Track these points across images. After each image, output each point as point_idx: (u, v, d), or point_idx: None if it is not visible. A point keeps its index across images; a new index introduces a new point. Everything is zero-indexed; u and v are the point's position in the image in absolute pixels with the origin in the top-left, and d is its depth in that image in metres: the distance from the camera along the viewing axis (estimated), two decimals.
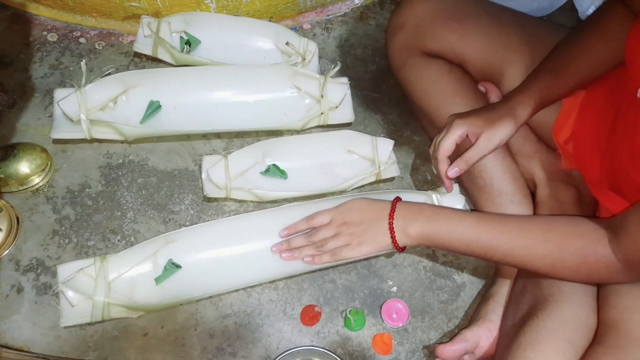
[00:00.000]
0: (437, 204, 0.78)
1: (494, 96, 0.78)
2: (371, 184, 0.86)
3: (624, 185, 0.62)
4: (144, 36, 0.90)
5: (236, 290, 0.76)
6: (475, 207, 0.79)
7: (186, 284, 0.71)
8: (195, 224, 0.81)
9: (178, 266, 0.71)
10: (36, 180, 0.81)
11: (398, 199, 0.67)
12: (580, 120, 0.71)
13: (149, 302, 0.70)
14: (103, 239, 0.79)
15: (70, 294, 0.68)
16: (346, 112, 0.89)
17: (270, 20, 0.97)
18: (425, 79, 0.78)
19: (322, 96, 0.87)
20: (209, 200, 0.83)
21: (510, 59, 0.75)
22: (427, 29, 0.78)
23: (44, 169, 0.82)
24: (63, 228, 0.80)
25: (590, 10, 0.95)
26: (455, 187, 0.79)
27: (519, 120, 0.65)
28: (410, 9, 0.79)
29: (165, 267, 0.70)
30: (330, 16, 1.03)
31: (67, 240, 0.79)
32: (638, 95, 0.54)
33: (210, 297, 0.75)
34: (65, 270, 0.69)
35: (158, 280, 0.70)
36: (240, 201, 0.83)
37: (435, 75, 0.77)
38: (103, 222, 0.81)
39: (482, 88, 0.79)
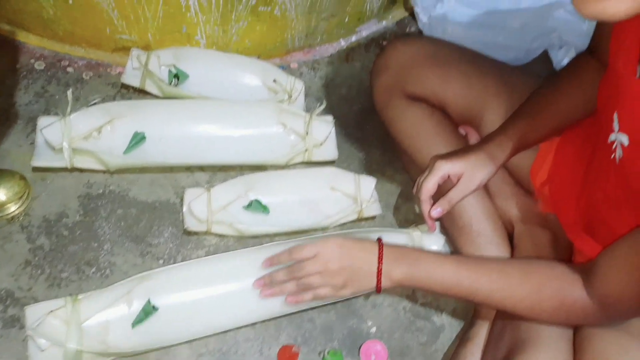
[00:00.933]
0: (418, 242, 0.79)
1: (474, 139, 0.80)
2: (353, 221, 0.86)
3: (598, 229, 0.64)
4: (133, 68, 0.91)
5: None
6: (454, 247, 0.80)
7: (163, 328, 0.69)
8: (174, 257, 0.80)
9: (155, 308, 0.68)
10: (12, 208, 0.80)
11: (381, 241, 0.67)
12: (556, 163, 0.74)
13: (123, 347, 0.67)
14: (77, 270, 0.77)
15: (40, 340, 0.65)
16: (330, 149, 0.91)
17: (258, 58, 0.99)
18: (407, 120, 0.80)
19: (307, 133, 0.88)
20: (189, 233, 0.82)
21: (489, 104, 0.78)
22: (410, 72, 0.80)
23: (21, 197, 0.80)
24: (36, 258, 0.77)
25: (565, 62, 1.00)
26: (436, 225, 0.79)
27: (498, 161, 0.68)
28: (394, 52, 0.82)
29: (143, 308, 0.68)
30: (317, 57, 1.06)
31: (39, 271, 0.76)
32: (609, 140, 0.57)
33: (189, 342, 0.73)
34: (33, 313, 0.66)
35: (134, 323, 0.67)
36: (220, 235, 0.82)
37: (417, 117, 0.79)
38: (78, 253, 0.79)
39: (462, 131, 0.82)
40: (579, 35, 0.96)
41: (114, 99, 0.94)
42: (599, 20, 0.38)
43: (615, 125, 0.55)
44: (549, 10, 0.95)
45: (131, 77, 0.91)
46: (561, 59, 1.00)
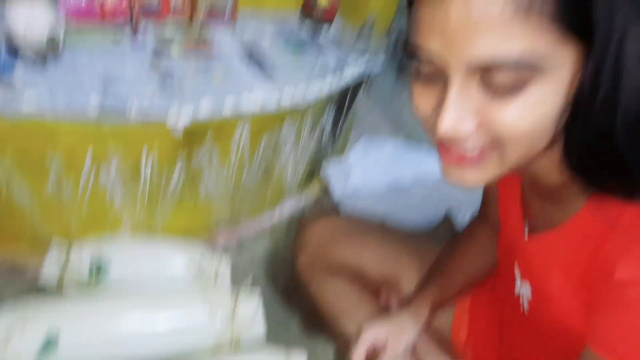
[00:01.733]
0: None
1: (394, 303, 0.84)
2: None
3: None
4: (51, 263, 0.89)
5: None
6: None
7: None
8: None
9: None
10: None
11: None
12: (472, 321, 0.78)
13: None
14: None
15: None
16: (258, 327, 0.89)
17: (184, 239, 1.02)
18: (329, 293, 0.83)
19: (233, 313, 0.87)
20: None
21: (403, 268, 0.84)
22: (327, 246, 0.86)
23: None
24: None
25: (466, 222, 1.13)
26: None
27: (420, 322, 0.72)
28: (311, 230, 0.89)
29: None
30: (242, 234, 1.11)
31: None
32: (515, 294, 0.61)
33: None
34: None
35: None
36: None
37: (338, 289, 0.83)
38: None
39: (382, 297, 0.85)
40: (476, 199, 1.10)
41: (27, 299, 0.89)
42: (464, 187, 0.46)
43: (518, 279, 0.61)
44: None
45: (49, 273, 0.89)
46: (462, 220, 1.13)
